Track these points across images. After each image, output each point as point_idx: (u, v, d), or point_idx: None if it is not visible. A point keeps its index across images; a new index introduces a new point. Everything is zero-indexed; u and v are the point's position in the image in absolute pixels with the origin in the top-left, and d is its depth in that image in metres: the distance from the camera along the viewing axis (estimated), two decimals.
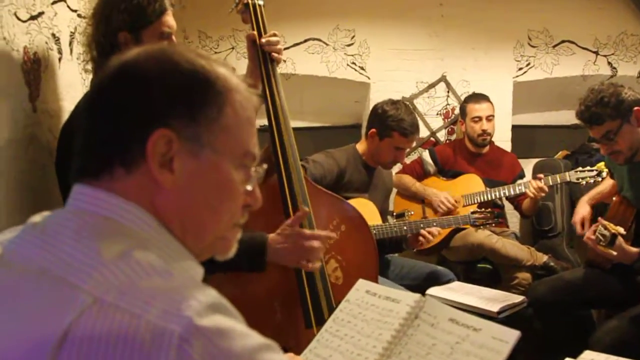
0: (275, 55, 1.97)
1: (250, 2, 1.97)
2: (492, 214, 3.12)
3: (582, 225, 2.74)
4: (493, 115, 3.78)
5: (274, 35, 1.97)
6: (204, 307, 0.68)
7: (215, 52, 4.04)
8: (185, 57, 0.81)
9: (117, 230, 0.76)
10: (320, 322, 1.81)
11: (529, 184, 3.38)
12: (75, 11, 2.31)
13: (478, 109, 3.75)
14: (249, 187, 0.87)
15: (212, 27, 3.99)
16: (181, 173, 0.78)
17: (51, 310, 0.68)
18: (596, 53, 4.45)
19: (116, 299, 0.67)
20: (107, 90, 0.81)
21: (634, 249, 2.41)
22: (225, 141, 0.81)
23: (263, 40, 1.95)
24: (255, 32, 1.96)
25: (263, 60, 1.95)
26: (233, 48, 4.09)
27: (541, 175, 3.40)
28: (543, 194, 3.34)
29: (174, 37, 1.82)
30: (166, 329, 0.65)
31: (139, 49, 0.83)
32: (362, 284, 1.53)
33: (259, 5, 1.98)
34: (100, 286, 0.68)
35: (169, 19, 1.80)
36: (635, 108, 2.41)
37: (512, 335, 1.20)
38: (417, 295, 1.40)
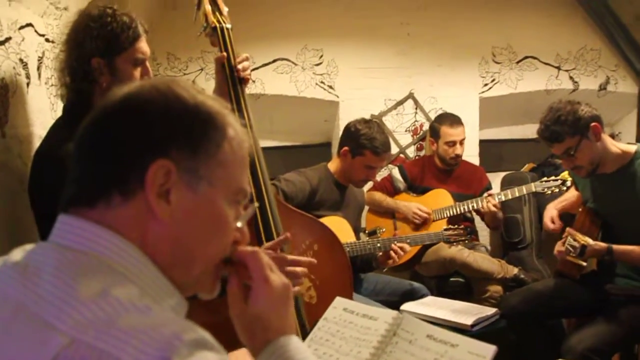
0: (246, 76, 2.00)
1: (218, 26, 1.98)
2: (465, 230, 3.19)
3: (553, 221, 2.81)
4: (465, 137, 3.84)
5: (246, 59, 2.00)
6: (186, 346, 0.67)
7: (184, 74, 4.04)
8: (189, 91, 0.84)
9: (99, 267, 0.75)
10: None
11: (483, 200, 3.47)
12: (43, 35, 2.30)
13: (453, 133, 3.75)
14: (239, 224, 0.89)
15: (181, 48, 3.99)
16: (177, 205, 0.79)
17: (27, 350, 0.67)
18: (558, 68, 4.57)
19: (93, 339, 0.66)
20: (111, 119, 0.82)
21: (603, 244, 2.49)
22: (222, 177, 0.83)
23: (239, 66, 1.98)
24: (225, 55, 1.98)
25: (232, 82, 1.97)
26: (202, 69, 4.09)
27: (492, 193, 3.51)
28: (495, 210, 3.44)
29: (147, 63, 1.82)
30: None
31: (144, 81, 0.86)
32: (339, 302, 1.55)
33: (227, 29, 1.99)
34: (77, 326, 0.67)
35: (143, 45, 1.80)
36: (593, 124, 2.49)
37: (489, 350, 1.23)
38: (395, 313, 1.42)
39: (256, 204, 0.93)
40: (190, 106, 0.82)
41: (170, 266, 0.81)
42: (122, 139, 0.80)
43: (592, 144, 2.49)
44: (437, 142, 3.83)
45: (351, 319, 1.49)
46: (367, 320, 1.45)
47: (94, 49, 1.71)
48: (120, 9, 1.81)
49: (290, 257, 1.78)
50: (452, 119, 3.83)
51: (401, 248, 2.87)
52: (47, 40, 2.34)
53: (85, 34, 1.73)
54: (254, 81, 3.93)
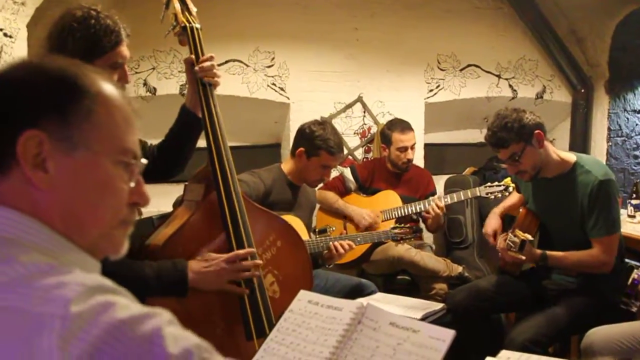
0: (210, 79, 2.01)
1: (187, 25, 2.00)
2: (411, 229, 3.29)
3: (494, 236, 2.94)
4: (415, 142, 3.96)
5: (209, 59, 2.01)
6: (85, 290, 0.70)
7: (136, 72, 4.02)
8: (56, 63, 0.85)
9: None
10: (261, 334, 1.88)
11: (430, 202, 3.62)
12: (1, 30, 2.28)
13: (404, 139, 3.87)
14: (132, 184, 0.89)
15: (133, 47, 3.88)
16: (56, 172, 0.80)
17: None
18: (498, 76, 4.79)
19: (1, 301, 0.69)
20: None
21: (538, 251, 2.65)
22: (100, 139, 0.83)
23: (196, 67, 1.99)
24: (194, 56, 2.00)
25: (201, 82, 1.99)
26: (154, 68, 4.08)
27: (439, 196, 3.66)
28: (440, 213, 3.59)
29: (125, 67, 1.83)
30: (48, 314, 0.67)
31: (15, 61, 0.87)
32: (303, 295, 1.61)
33: (197, 29, 2.01)
34: None
35: (124, 50, 1.80)
36: (536, 131, 2.63)
37: (448, 334, 1.32)
38: (359, 302, 1.50)
39: (144, 161, 0.93)
40: (53, 75, 0.82)
41: (66, 231, 0.82)
42: None
43: (535, 150, 2.63)
44: (388, 148, 3.93)
45: (316, 310, 1.55)
46: (332, 310, 1.52)
47: (75, 50, 1.70)
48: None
49: (228, 255, 1.88)
50: (402, 125, 3.94)
51: (349, 245, 2.95)
52: (5, 34, 2.32)
53: (68, 34, 1.72)
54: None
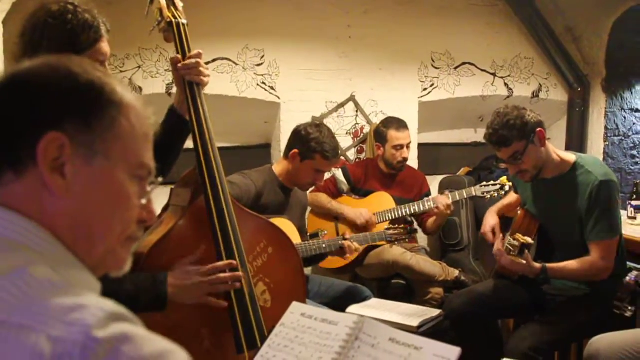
0: (196, 78, 1.90)
1: (173, 20, 1.90)
2: (406, 230, 3.21)
3: (493, 233, 2.86)
4: (411, 141, 3.88)
5: (195, 56, 1.89)
6: (105, 316, 0.67)
7: (121, 71, 3.90)
8: (83, 67, 0.83)
9: (6, 246, 0.75)
10: (252, 346, 1.79)
11: (437, 200, 3.51)
12: None
13: (400, 137, 3.78)
14: (143, 201, 0.88)
15: (118, 45, 3.83)
16: (73, 179, 0.78)
17: None
18: (494, 75, 4.71)
19: (14, 318, 0.65)
20: None
21: (537, 265, 2.55)
22: (120, 150, 0.82)
23: (179, 65, 1.89)
24: (180, 55, 1.89)
25: (188, 81, 1.89)
26: (139, 67, 3.97)
27: (447, 192, 3.55)
28: (449, 211, 3.49)
29: (106, 64, 1.73)
30: (67, 340, 0.64)
31: (37, 59, 0.84)
32: (296, 307, 1.51)
33: (183, 24, 1.91)
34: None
35: (104, 46, 1.70)
36: (538, 129, 2.56)
37: (453, 352, 1.23)
38: (355, 316, 1.39)
39: (160, 179, 0.91)
40: (82, 80, 0.81)
41: (73, 243, 0.80)
42: (9, 115, 0.78)
43: (537, 149, 2.56)
44: (384, 146, 3.84)
45: (310, 324, 1.45)
46: (327, 325, 1.42)
47: (51, 48, 1.59)
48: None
49: (205, 267, 1.80)
50: (398, 123, 3.86)
51: (356, 248, 2.94)
52: None
53: (43, 30, 1.61)
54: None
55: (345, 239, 2.93)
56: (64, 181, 0.78)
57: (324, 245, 2.88)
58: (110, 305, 0.70)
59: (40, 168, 0.76)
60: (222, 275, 1.80)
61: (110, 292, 1.61)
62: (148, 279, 1.73)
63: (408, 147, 3.83)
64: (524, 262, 2.53)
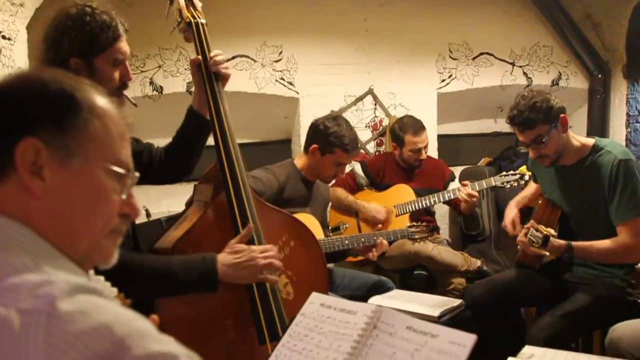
0: (223, 71, 1.96)
1: (192, 21, 1.94)
2: (428, 227, 3.20)
3: (514, 226, 2.87)
4: (428, 142, 3.83)
5: (219, 54, 1.95)
6: (71, 288, 0.73)
7: (142, 71, 3.97)
8: (54, 76, 0.88)
9: None
10: (274, 337, 1.82)
11: (458, 191, 3.51)
12: None
13: (417, 141, 3.73)
14: (124, 196, 0.92)
15: (138, 45, 3.91)
16: (52, 181, 0.83)
17: None
18: (512, 64, 4.68)
19: None
20: None
21: (562, 242, 2.55)
22: (95, 150, 0.88)
23: (210, 61, 1.93)
24: (201, 56, 1.94)
25: (208, 80, 1.93)
26: (160, 66, 4.03)
27: (466, 182, 3.54)
28: (474, 199, 3.48)
29: (127, 63, 1.78)
30: (34, 310, 0.70)
31: (13, 73, 0.91)
32: (315, 297, 1.54)
33: (202, 24, 1.95)
34: None
35: (123, 45, 1.75)
36: (562, 115, 2.56)
37: (469, 339, 1.25)
38: (374, 306, 1.42)
39: (137, 174, 0.95)
40: (53, 87, 0.86)
41: (57, 240, 0.85)
42: None
43: (559, 134, 2.57)
44: (401, 149, 3.80)
45: (329, 314, 1.48)
46: (345, 314, 1.45)
47: (72, 50, 1.66)
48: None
49: (258, 247, 1.83)
50: (414, 127, 3.78)
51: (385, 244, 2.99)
52: (3, 37, 2.27)
53: (64, 33, 1.67)
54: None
55: (368, 240, 2.99)
56: (43, 183, 0.83)
57: (346, 242, 2.91)
58: (79, 279, 0.76)
59: (19, 173, 0.82)
60: (271, 253, 1.84)
61: (158, 274, 1.68)
62: (197, 259, 1.76)
63: (426, 147, 3.80)
64: (547, 253, 2.54)
